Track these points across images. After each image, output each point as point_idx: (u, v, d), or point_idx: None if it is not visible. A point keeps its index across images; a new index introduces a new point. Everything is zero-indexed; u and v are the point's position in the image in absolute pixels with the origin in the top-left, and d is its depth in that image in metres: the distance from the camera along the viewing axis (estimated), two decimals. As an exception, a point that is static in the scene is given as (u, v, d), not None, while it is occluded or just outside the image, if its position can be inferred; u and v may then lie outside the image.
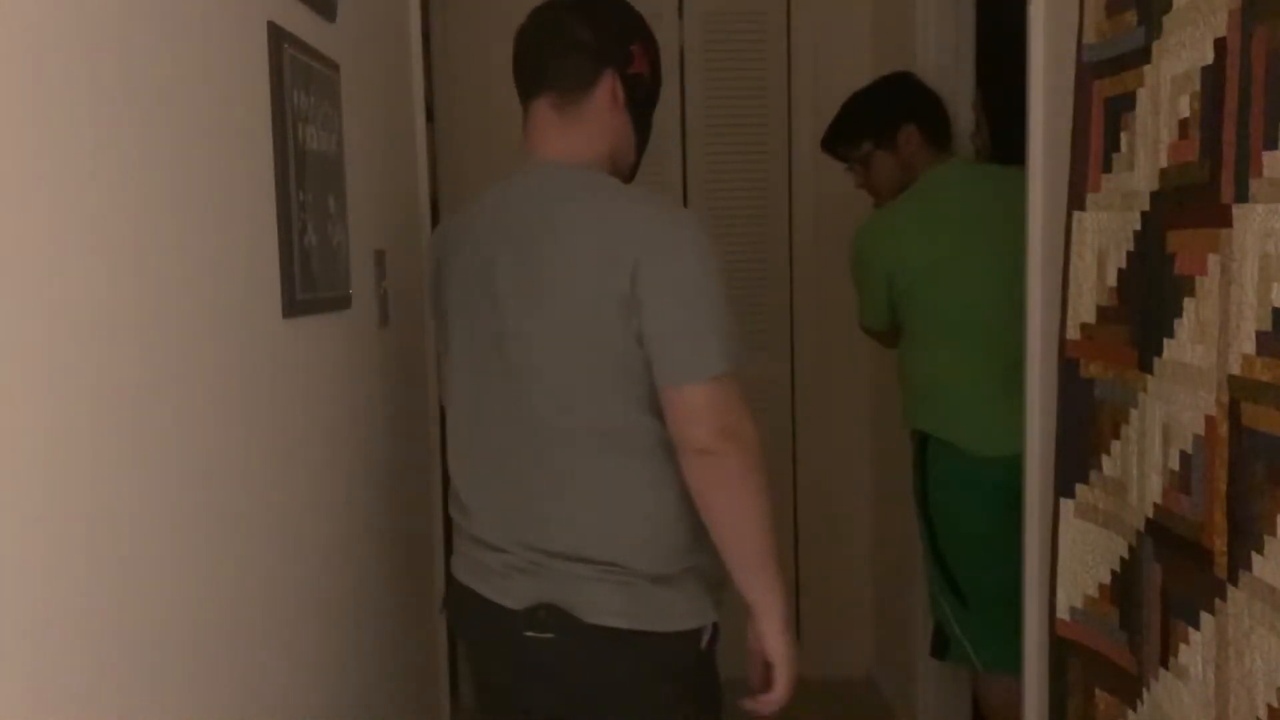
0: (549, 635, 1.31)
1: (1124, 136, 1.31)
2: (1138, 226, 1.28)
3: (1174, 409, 1.19)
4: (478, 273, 1.39)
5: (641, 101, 1.45)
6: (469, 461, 1.43)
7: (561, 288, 1.30)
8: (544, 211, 1.34)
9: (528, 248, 1.33)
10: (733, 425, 1.27)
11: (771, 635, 1.33)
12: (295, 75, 1.24)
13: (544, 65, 1.42)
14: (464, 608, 1.44)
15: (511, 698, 1.45)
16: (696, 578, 1.36)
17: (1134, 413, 1.29)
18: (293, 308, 1.22)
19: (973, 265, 2.12)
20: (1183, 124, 1.17)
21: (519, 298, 1.33)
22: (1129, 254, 1.30)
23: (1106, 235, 1.36)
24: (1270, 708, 1.02)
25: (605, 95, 1.40)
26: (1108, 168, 1.36)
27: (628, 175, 1.49)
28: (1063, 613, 1.49)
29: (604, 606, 1.31)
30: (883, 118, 2.29)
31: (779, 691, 1.35)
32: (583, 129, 1.41)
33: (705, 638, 1.38)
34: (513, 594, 1.35)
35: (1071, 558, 1.46)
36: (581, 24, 1.40)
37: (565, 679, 1.36)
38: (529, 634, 1.32)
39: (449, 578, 1.49)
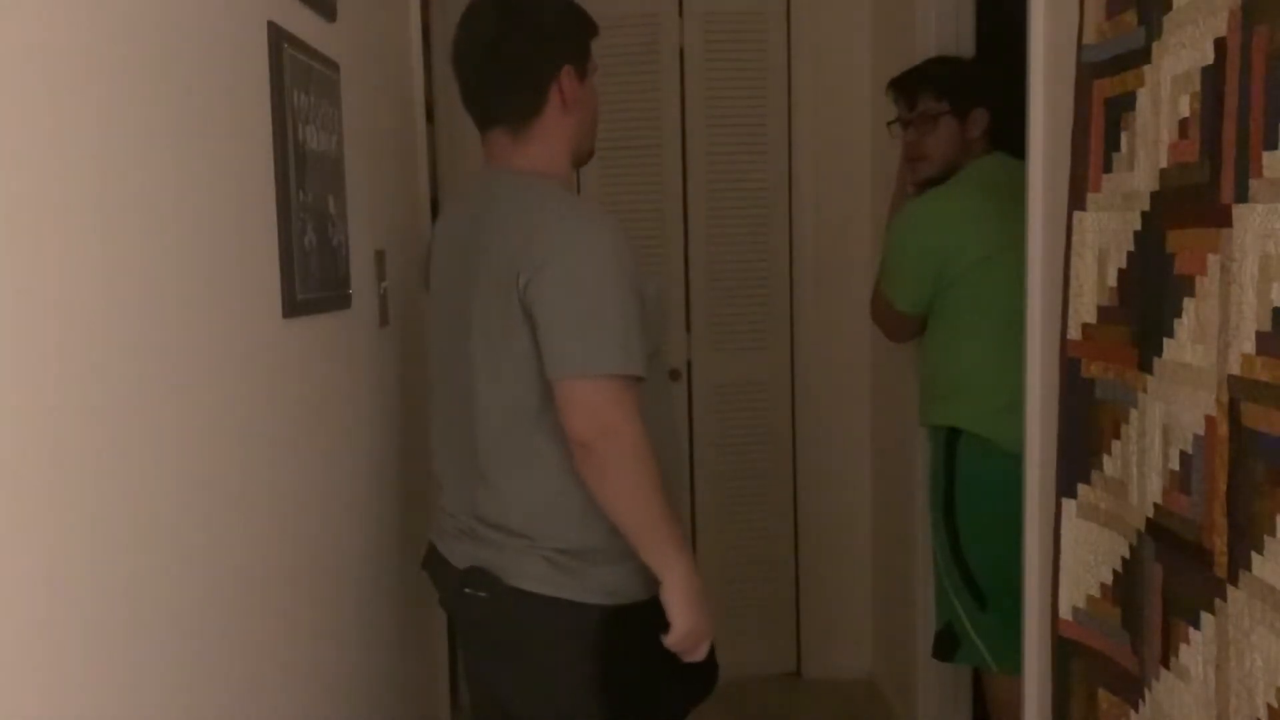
0: (483, 594, 1.46)
1: (1124, 136, 1.31)
2: (1138, 226, 1.27)
3: (1174, 409, 1.19)
4: (442, 268, 1.56)
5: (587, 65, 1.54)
6: (437, 437, 1.60)
7: (484, 285, 1.42)
8: (481, 218, 1.47)
9: (470, 249, 1.47)
10: (612, 424, 1.35)
11: (668, 600, 1.43)
12: (295, 75, 1.24)
13: (489, 103, 1.51)
14: (430, 562, 1.62)
15: (459, 644, 1.63)
16: (620, 553, 1.43)
17: (1134, 413, 1.29)
18: (293, 308, 1.22)
19: (1023, 258, 2.10)
20: (1183, 124, 1.17)
21: (462, 290, 1.46)
22: (1129, 254, 1.30)
23: (1107, 235, 1.36)
24: (1270, 708, 1.02)
25: (554, 108, 1.49)
26: (1108, 168, 1.36)
27: (586, 156, 1.61)
28: (1065, 613, 1.49)
29: (524, 572, 1.44)
30: (971, 86, 2.26)
31: (671, 641, 1.43)
32: (538, 145, 1.51)
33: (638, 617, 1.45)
34: (457, 554, 1.52)
35: (1073, 558, 1.46)
36: (517, 52, 1.47)
37: (493, 634, 1.51)
38: (467, 591, 1.48)
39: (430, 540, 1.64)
